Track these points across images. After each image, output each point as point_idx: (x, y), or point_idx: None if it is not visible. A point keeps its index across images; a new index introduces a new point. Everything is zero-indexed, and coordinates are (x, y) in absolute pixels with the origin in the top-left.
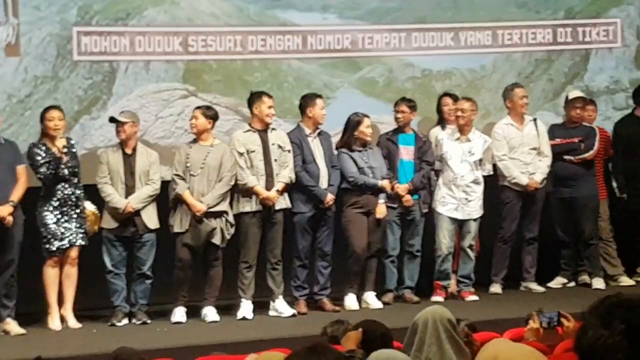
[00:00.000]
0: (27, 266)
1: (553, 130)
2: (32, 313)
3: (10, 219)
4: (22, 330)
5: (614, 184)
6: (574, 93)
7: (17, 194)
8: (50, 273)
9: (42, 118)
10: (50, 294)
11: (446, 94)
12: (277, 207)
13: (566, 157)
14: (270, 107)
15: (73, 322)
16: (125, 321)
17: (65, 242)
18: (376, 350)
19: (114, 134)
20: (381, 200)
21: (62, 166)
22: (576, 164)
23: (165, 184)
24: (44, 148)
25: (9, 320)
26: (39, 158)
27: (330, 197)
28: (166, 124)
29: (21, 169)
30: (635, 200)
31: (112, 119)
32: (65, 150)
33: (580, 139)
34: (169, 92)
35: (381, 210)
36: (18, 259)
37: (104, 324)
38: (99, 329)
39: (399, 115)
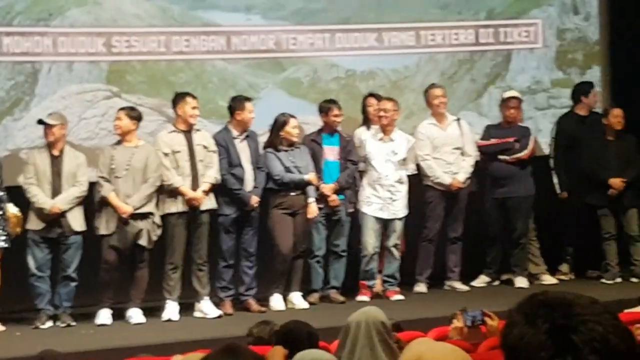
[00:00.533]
0: None
1: (489, 131)
2: (15, 312)
3: None
4: (1, 328)
5: (555, 181)
6: (509, 93)
7: None
8: None
9: None
10: None
11: (371, 95)
12: (202, 208)
13: (501, 157)
14: (194, 107)
15: None
16: (49, 324)
17: None
18: (302, 351)
19: (37, 135)
20: (311, 199)
21: None
22: (511, 163)
23: (91, 186)
24: None
25: None
26: None
27: (254, 200)
28: (90, 125)
29: None
30: (575, 197)
31: (41, 121)
32: None
33: (515, 139)
34: (92, 93)
35: (312, 210)
36: None
37: (28, 327)
38: (22, 331)
39: (338, 120)
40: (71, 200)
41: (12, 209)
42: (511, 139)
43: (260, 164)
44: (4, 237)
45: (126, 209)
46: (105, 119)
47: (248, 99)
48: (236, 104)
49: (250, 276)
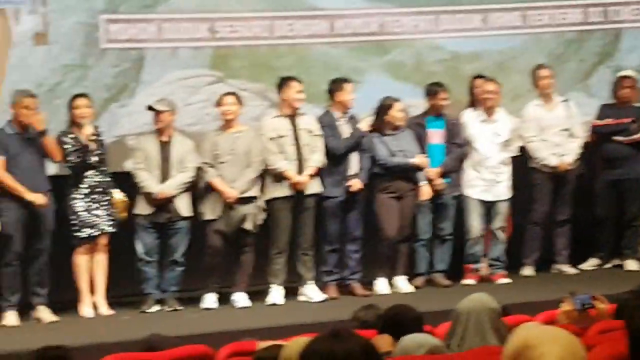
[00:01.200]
0: (59, 254)
1: (604, 110)
2: (64, 301)
3: (45, 205)
4: (54, 318)
5: None
6: (624, 72)
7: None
8: (81, 261)
9: (70, 106)
10: (81, 282)
11: (478, 76)
12: (308, 192)
13: (616, 137)
14: (298, 92)
15: (105, 310)
16: (156, 308)
17: (95, 229)
18: (407, 335)
19: (142, 121)
20: (422, 182)
21: (90, 154)
22: (626, 144)
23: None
24: (71, 136)
25: (41, 307)
26: (67, 146)
27: (357, 182)
28: (194, 110)
29: None
30: None
31: (150, 108)
32: (92, 138)
33: (633, 119)
34: (196, 78)
35: (425, 192)
36: (50, 247)
37: (136, 311)
38: (130, 315)
39: (445, 103)
40: (179, 185)
41: (118, 195)
42: (628, 120)
43: (363, 147)
44: (110, 222)
45: (231, 193)
46: (210, 105)
47: (347, 80)
48: (335, 85)
49: (355, 260)
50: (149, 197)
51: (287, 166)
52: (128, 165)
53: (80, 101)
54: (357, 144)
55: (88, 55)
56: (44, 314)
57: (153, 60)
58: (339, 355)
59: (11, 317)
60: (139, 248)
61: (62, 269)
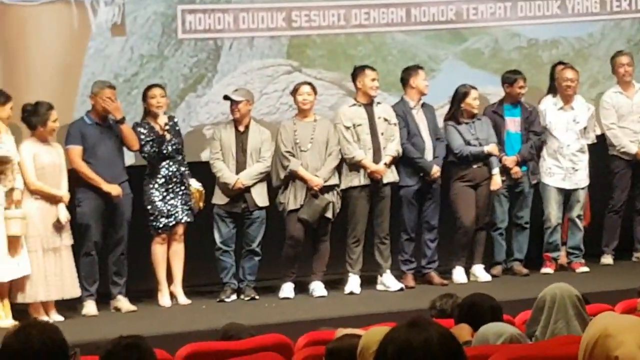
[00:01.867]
0: (137, 244)
1: None
2: (142, 290)
3: (118, 192)
4: (132, 307)
5: None
6: None
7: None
8: (158, 250)
9: (145, 96)
10: (159, 271)
11: (560, 63)
12: (384, 181)
13: None
14: (373, 79)
15: (182, 299)
16: (233, 297)
17: (172, 219)
18: (485, 324)
19: (219, 111)
20: (495, 170)
21: (166, 144)
22: None
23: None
24: (147, 126)
25: (120, 297)
26: (142, 137)
27: (436, 169)
28: (271, 100)
29: None
30: None
31: (227, 97)
32: (167, 127)
33: None
34: (273, 68)
35: (496, 182)
36: (127, 236)
37: (213, 300)
38: (208, 305)
39: (523, 91)
40: (255, 175)
41: (194, 184)
42: None
43: (439, 135)
44: (187, 212)
45: (317, 181)
46: (286, 94)
47: (420, 67)
48: (409, 72)
49: (432, 249)
50: (226, 187)
51: (362, 155)
52: (205, 155)
53: (156, 91)
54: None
55: (165, 46)
56: (123, 303)
57: (230, 50)
58: (418, 345)
59: (90, 307)
60: (217, 237)
61: (140, 259)
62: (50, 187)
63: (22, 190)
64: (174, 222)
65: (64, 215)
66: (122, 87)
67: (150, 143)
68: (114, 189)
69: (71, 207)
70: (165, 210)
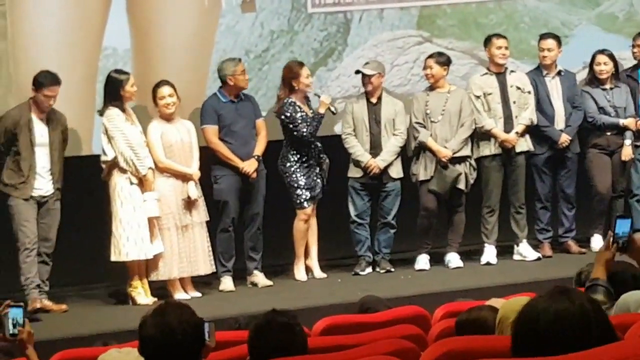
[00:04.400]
0: (271, 219)
1: None
2: (277, 265)
3: (255, 174)
4: (269, 282)
5: None
6: None
7: (260, 147)
8: (302, 227)
9: (294, 75)
10: (299, 246)
11: None
12: (518, 150)
13: None
14: (499, 47)
15: (318, 273)
16: (369, 270)
17: (313, 192)
18: (627, 292)
19: (350, 84)
20: (627, 141)
21: (316, 124)
22: None
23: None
24: (298, 109)
25: (256, 272)
26: (298, 116)
27: (564, 138)
28: (402, 71)
29: (261, 123)
30: None
31: (358, 71)
32: (333, 108)
33: None
34: (403, 39)
35: (626, 153)
36: (262, 212)
37: (348, 274)
38: (343, 278)
39: (636, 50)
40: (393, 154)
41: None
42: None
43: (577, 103)
44: (321, 187)
45: (446, 152)
46: (417, 65)
47: (554, 35)
48: (540, 39)
49: (569, 218)
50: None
51: (492, 124)
52: (338, 129)
53: (308, 71)
54: None
55: (295, 21)
56: (260, 278)
57: (359, 23)
58: (574, 312)
59: (227, 282)
60: (351, 210)
61: (274, 234)
62: (180, 165)
63: (154, 170)
64: (313, 196)
65: (193, 192)
66: (253, 63)
67: (306, 124)
68: (251, 166)
69: (208, 184)
70: (308, 184)
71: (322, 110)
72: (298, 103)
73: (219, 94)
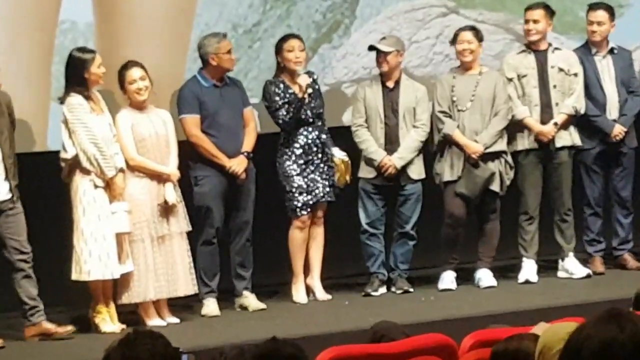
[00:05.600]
0: (263, 228)
1: None
2: (271, 284)
3: (244, 174)
4: (261, 305)
5: None
6: None
7: (249, 142)
8: (297, 236)
9: (279, 49)
10: (297, 261)
11: None
12: (559, 145)
13: None
14: (528, 21)
15: (321, 294)
16: (383, 290)
17: (312, 196)
18: None
19: (360, 65)
20: None
21: (305, 107)
22: None
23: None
24: (282, 87)
25: (246, 293)
26: (277, 98)
27: (618, 130)
28: (422, 49)
29: (249, 112)
30: None
31: (372, 47)
32: (309, 90)
33: None
34: (424, 10)
35: None
36: (252, 220)
37: (357, 294)
38: (351, 300)
39: None
40: (412, 150)
41: (338, 154)
42: None
43: (633, 87)
44: (329, 189)
45: (476, 147)
46: (440, 41)
47: (606, 6)
48: (589, 10)
49: (625, 226)
50: (371, 161)
51: (526, 112)
52: (347, 119)
53: (293, 42)
54: None
55: None
56: (250, 300)
57: None
58: (623, 341)
59: (211, 305)
60: (362, 218)
61: (267, 247)
62: (155, 163)
63: (124, 172)
64: (314, 201)
65: (171, 196)
66: (242, 40)
67: (286, 107)
68: (240, 165)
69: (188, 186)
70: (305, 186)
71: (298, 94)
72: (286, 82)
73: (200, 77)
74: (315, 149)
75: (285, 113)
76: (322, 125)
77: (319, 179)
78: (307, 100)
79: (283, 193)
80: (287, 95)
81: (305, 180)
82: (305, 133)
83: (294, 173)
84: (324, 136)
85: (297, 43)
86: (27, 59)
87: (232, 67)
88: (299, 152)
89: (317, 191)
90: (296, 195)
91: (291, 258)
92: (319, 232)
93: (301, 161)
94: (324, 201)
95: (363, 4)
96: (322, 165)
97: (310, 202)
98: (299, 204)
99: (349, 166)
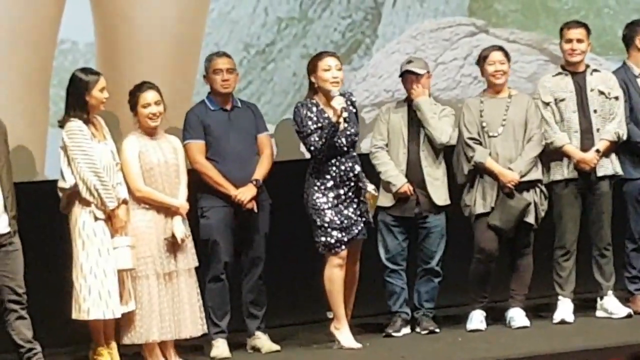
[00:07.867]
0: (278, 264)
1: None
2: (287, 325)
3: (253, 203)
4: (275, 347)
5: None
6: None
7: (261, 170)
8: (338, 275)
9: (313, 68)
10: (339, 302)
11: None
12: (600, 174)
13: None
14: (570, 40)
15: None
16: (406, 330)
17: (346, 234)
18: None
19: (382, 88)
20: None
21: (339, 134)
22: None
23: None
24: (315, 110)
25: (259, 334)
26: (309, 123)
27: None
28: (449, 71)
29: (264, 139)
30: None
31: (408, 72)
32: (346, 114)
33: None
34: (451, 29)
35: None
36: (265, 255)
37: (378, 335)
38: (372, 341)
39: None
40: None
41: (369, 188)
42: None
43: None
44: (362, 225)
45: (512, 176)
46: (469, 63)
47: None
48: (633, 28)
49: None
50: (389, 187)
51: (565, 139)
52: (365, 146)
53: (330, 60)
54: None
55: (309, 5)
56: (263, 341)
57: (393, 8)
58: None
59: (221, 347)
60: (382, 253)
61: (282, 284)
62: (163, 195)
63: (127, 204)
64: (349, 238)
65: (180, 230)
66: (255, 61)
67: (319, 132)
68: (246, 194)
69: (195, 218)
70: (339, 222)
71: (332, 118)
72: (320, 105)
73: (207, 100)
74: (347, 182)
75: (317, 139)
76: (355, 154)
77: (353, 215)
78: (342, 127)
79: (313, 227)
80: (321, 120)
81: (339, 216)
82: (337, 164)
83: (325, 207)
84: (357, 168)
85: (335, 62)
86: (23, 81)
87: (224, 90)
88: (329, 184)
89: (352, 228)
90: (329, 230)
91: (330, 299)
92: (353, 272)
93: (332, 194)
94: (359, 239)
95: (385, 22)
96: (355, 200)
97: (345, 240)
98: (332, 241)
99: (377, 200)
